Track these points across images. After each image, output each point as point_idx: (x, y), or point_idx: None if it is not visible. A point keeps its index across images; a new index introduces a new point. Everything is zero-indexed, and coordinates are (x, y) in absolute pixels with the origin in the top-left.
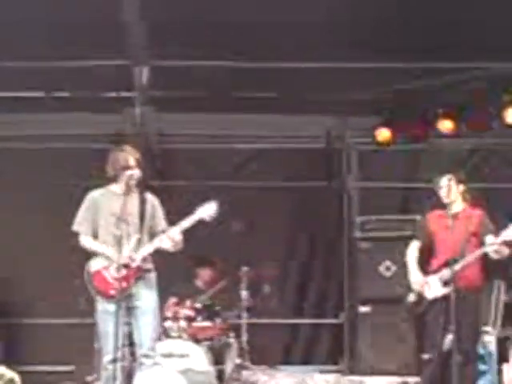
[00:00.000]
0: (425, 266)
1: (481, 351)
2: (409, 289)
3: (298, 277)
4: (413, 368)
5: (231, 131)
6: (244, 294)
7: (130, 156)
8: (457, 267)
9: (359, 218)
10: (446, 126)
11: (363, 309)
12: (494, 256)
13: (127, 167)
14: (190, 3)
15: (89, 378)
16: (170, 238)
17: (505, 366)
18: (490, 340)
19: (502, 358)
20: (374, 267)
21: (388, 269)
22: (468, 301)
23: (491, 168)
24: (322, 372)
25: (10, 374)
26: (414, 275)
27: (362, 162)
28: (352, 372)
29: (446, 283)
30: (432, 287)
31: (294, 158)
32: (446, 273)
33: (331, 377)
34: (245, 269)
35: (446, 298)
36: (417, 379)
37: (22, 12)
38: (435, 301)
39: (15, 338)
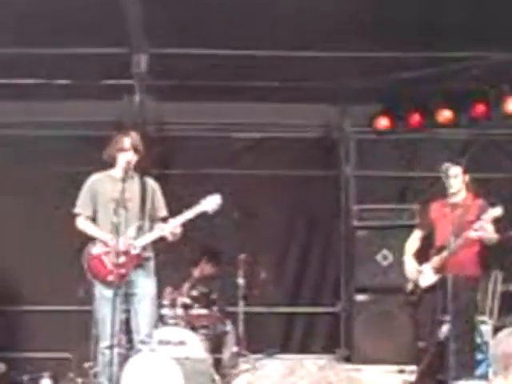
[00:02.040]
0: (425, 254)
1: (478, 341)
2: (407, 278)
3: (295, 265)
4: (409, 357)
5: (230, 120)
6: (241, 281)
7: (126, 138)
8: (445, 254)
9: (356, 207)
10: (444, 115)
11: (360, 297)
12: (486, 241)
13: (122, 149)
14: None
15: (86, 365)
16: (171, 229)
17: None
18: (486, 329)
19: None
20: (371, 256)
21: (385, 258)
22: (460, 288)
23: (489, 158)
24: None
25: None
26: (409, 264)
27: (360, 151)
28: (348, 361)
29: (437, 271)
30: (425, 275)
31: (292, 146)
32: (435, 260)
33: (324, 363)
34: (242, 256)
35: (441, 285)
36: (413, 368)
37: None
38: (429, 289)
39: (13, 325)
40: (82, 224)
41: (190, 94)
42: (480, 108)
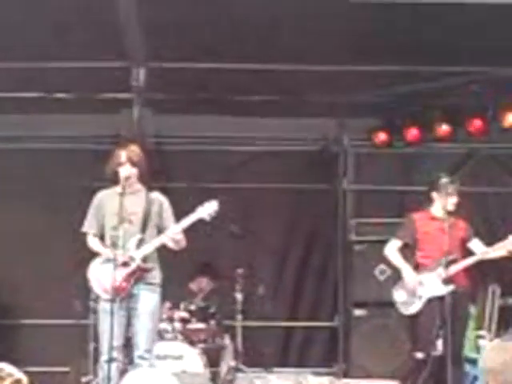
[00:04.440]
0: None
1: (475, 355)
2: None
3: (292, 279)
4: (407, 371)
5: (229, 133)
6: (239, 296)
7: (122, 152)
8: (454, 268)
9: (354, 221)
10: (443, 129)
11: (358, 312)
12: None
13: (119, 164)
14: (187, 4)
15: (84, 379)
16: (170, 237)
17: None
18: (484, 344)
19: None
20: (368, 270)
21: (382, 272)
22: (461, 303)
23: (487, 172)
24: (316, 374)
25: (18, 374)
26: (409, 273)
27: (358, 165)
28: (346, 375)
29: (445, 283)
30: (429, 285)
31: (290, 160)
32: (444, 272)
33: (325, 379)
34: (240, 271)
35: (440, 298)
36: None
37: (22, 13)
38: (431, 300)
39: (10, 339)
40: (90, 242)
41: (188, 107)
42: (478, 123)
